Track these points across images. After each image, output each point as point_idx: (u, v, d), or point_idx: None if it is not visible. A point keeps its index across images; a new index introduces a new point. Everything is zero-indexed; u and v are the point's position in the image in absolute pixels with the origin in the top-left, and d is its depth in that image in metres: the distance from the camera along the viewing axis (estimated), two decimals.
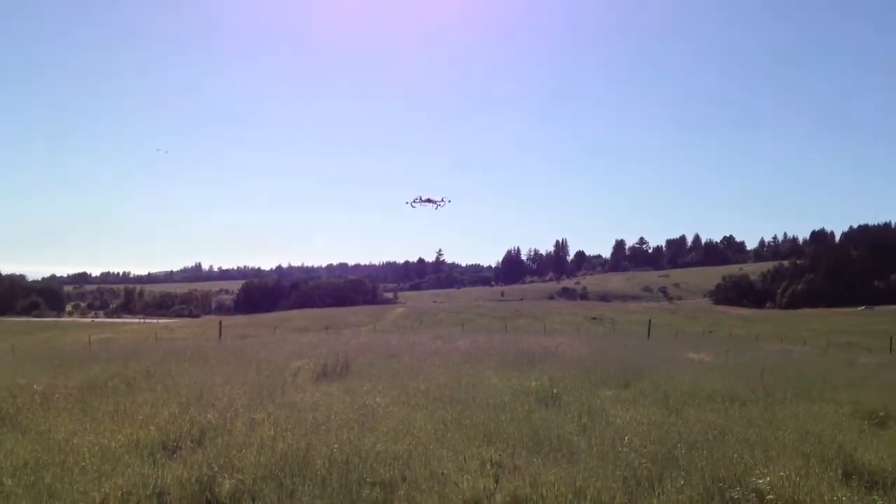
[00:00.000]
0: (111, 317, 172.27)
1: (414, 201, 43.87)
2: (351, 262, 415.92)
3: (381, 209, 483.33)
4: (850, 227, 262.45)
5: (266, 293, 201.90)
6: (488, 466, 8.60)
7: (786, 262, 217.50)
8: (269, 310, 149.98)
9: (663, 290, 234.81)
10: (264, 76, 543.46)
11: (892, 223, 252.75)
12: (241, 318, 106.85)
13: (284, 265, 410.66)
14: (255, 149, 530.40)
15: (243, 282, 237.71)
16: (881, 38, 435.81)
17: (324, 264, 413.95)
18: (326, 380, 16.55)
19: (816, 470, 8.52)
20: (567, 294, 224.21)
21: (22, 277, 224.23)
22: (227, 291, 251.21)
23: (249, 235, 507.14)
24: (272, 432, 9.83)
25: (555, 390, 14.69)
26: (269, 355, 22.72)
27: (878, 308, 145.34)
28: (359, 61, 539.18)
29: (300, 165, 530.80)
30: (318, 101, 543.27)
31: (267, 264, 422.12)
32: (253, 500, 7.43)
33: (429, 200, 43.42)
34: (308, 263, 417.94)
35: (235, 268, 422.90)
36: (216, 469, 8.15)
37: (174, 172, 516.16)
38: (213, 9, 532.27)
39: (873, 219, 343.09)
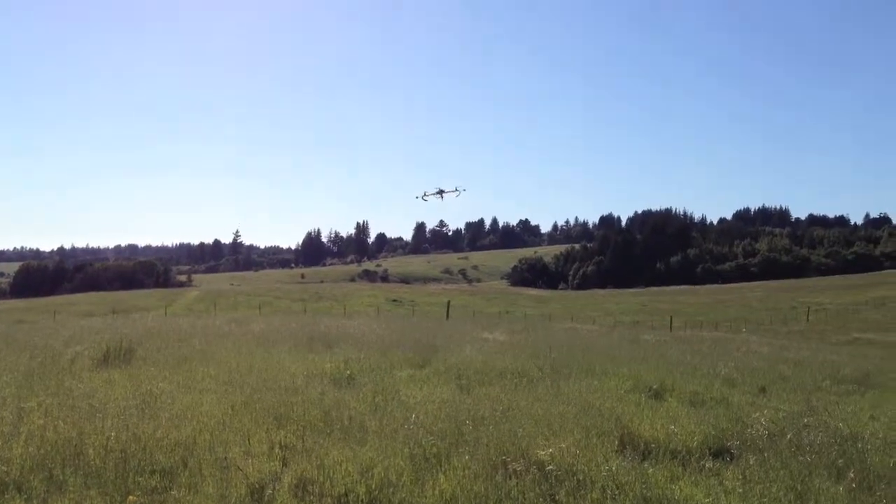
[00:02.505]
0: None
1: (425, 195, 41.62)
2: (141, 244, 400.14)
3: (172, 186, 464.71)
4: (635, 212, 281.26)
5: (46, 276, 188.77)
6: (277, 450, 8.45)
7: (577, 246, 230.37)
8: (50, 294, 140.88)
9: (463, 272, 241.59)
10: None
11: (673, 209, 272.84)
12: (17, 303, 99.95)
13: (67, 246, 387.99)
14: (32, 119, 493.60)
15: (20, 263, 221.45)
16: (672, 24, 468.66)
17: (111, 245, 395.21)
18: (108, 366, 15.63)
19: (595, 441, 8.98)
20: (368, 276, 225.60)
21: None
22: (1, 274, 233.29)
23: (26, 213, 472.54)
24: (42, 421, 9.17)
25: (349, 372, 14.67)
26: (45, 341, 21.19)
27: (661, 288, 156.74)
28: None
29: (80, 134, 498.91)
30: (103, 71, 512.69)
31: (47, 245, 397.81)
32: (19, 492, 6.92)
33: (441, 191, 41.32)
34: (93, 244, 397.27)
35: (11, 249, 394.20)
36: None
37: None
38: None
39: (656, 204, 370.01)
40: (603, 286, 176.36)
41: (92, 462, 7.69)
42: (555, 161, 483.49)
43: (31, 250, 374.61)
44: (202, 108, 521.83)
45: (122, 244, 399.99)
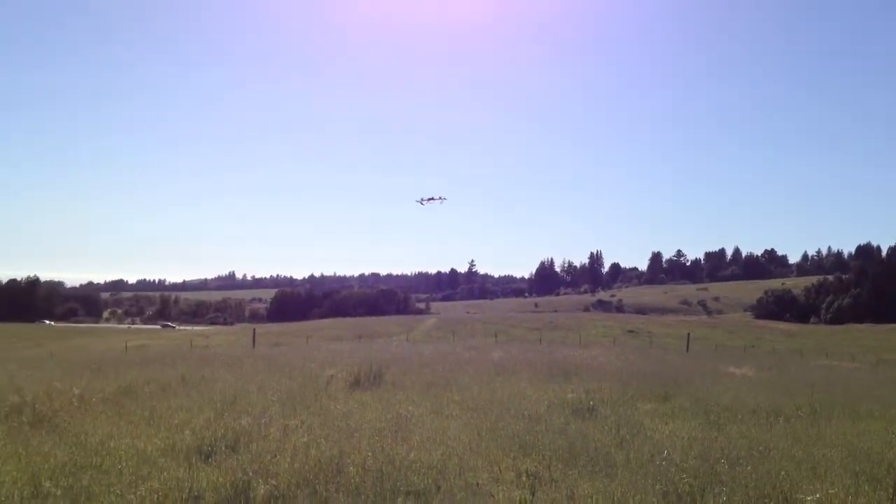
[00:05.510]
0: (147, 324, 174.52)
1: (421, 200, 46.50)
2: (383, 272, 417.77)
3: (413, 220, 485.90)
4: None
5: (298, 302, 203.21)
6: (524, 478, 8.49)
7: (830, 277, 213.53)
8: (301, 318, 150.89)
9: (702, 304, 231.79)
10: (290, 93, 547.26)
11: None
12: (273, 327, 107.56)
13: (317, 274, 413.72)
14: (287, 162, 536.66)
15: (276, 290, 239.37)
16: None
17: (356, 274, 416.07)
18: (359, 388, 16.51)
19: (866, 488, 8.29)
20: (602, 306, 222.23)
21: (60, 284, 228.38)
22: (260, 300, 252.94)
23: (282, 244, 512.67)
24: (306, 439, 9.79)
25: (591, 402, 14.51)
26: (301, 363, 22.77)
27: None
28: (361, 65, 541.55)
29: (332, 178, 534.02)
30: (347, 118, 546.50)
31: (299, 273, 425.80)
32: None
33: (431, 199, 46.13)
34: (340, 273, 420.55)
35: (268, 276, 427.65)
36: (251, 474, 8.13)
37: (209, 184, 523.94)
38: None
39: None
40: (860, 321, 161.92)
41: (352, 480, 8.07)
42: (804, 187, 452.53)
43: (285, 278, 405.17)
44: (432, 146, 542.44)
45: (366, 272, 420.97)
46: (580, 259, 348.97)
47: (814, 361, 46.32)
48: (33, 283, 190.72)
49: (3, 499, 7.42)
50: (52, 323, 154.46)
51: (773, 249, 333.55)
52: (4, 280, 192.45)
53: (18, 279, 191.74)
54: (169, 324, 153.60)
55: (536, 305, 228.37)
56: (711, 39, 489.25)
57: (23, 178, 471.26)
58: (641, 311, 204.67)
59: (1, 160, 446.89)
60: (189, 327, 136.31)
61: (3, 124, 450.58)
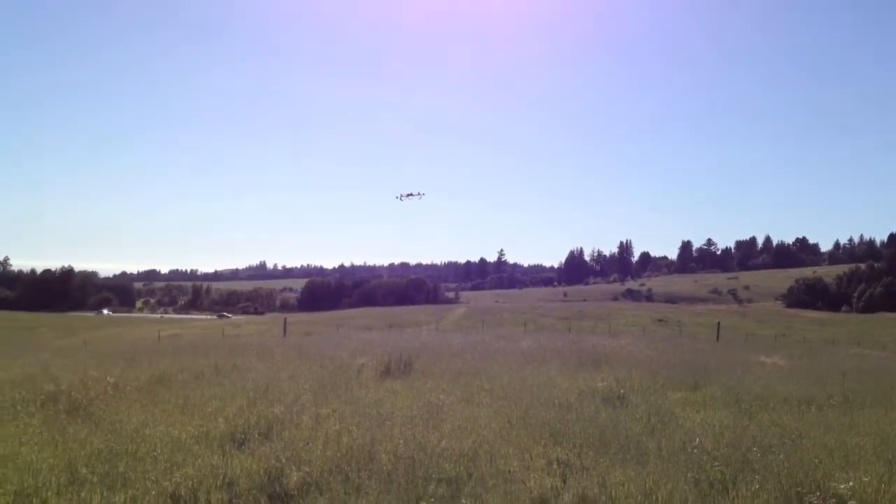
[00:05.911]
0: (179, 313, 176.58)
1: (400, 196, 48.28)
2: (412, 262, 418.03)
3: (443, 209, 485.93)
4: None
5: (329, 291, 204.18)
6: (555, 465, 8.51)
7: (862, 265, 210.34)
8: (331, 308, 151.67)
9: (732, 293, 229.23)
10: (321, 87, 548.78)
11: None
12: (304, 316, 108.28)
13: (347, 264, 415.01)
14: (317, 155, 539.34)
15: (307, 280, 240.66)
16: None
17: (385, 263, 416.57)
18: (390, 377, 16.60)
19: None
20: (632, 295, 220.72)
21: (94, 274, 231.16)
22: (291, 289, 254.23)
23: (313, 235, 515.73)
24: (337, 427, 9.87)
25: (621, 391, 14.49)
26: (332, 352, 22.90)
27: None
28: (383, 59, 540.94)
29: (361, 170, 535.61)
30: (376, 111, 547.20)
31: (329, 263, 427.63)
32: (320, 493, 7.45)
33: (409, 195, 47.81)
34: (370, 263, 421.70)
35: (299, 266, 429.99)
36: (283, 461, 8.23)
37: (241, 176, 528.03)
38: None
39: None
40: (892, 309, 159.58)
41: (384, 467, 8.13)
42: (836, 175, 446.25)
43: (315, 267, 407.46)
44: (467, 136, 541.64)
45: (395, 262, 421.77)
46: (609, 248, 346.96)
47: (845, 350, 45.74)
48: (68, 273, 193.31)
49: (41, 485, 7.55)
50: (111, 313, 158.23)
51: (804, 238, 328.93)
52: (39, 271, 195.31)
53: (53, 269, 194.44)
54: (225, 314, 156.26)
55: (565, 295, 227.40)
56: (738, 26, 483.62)
57: (57, 171, 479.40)
58: (671, 300, 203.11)
59: (35, 155, 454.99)
60: (240, 317, 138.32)
61: (39, 121, 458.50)
